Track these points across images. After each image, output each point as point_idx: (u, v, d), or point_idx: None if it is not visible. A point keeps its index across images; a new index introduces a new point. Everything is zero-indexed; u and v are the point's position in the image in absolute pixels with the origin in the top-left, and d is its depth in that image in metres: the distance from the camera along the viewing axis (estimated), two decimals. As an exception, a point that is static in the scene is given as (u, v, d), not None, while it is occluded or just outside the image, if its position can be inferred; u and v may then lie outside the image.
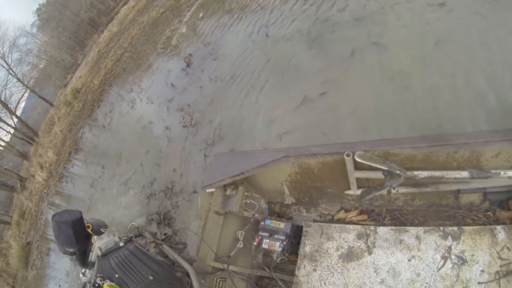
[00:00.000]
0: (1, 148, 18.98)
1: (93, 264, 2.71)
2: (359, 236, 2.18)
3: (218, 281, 2.79)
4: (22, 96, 22.35)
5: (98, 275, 2.30)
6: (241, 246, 2.95)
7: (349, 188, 2.49)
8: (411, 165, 2.03)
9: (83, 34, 30.39)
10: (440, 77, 3.58)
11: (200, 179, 5.10)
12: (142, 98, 9.87)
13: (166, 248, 3.12)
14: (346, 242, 2.22)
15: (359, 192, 2.40)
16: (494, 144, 1.76)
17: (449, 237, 1.84)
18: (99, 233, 2.85)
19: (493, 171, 1.77)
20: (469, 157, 1.88)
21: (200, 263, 2.74)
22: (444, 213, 2.14)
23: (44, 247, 9.52)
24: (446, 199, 2.18)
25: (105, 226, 3.03)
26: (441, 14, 4.04)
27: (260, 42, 6.69)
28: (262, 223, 2.77)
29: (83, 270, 2.85)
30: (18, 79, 20.86)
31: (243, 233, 2.97)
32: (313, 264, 2.27)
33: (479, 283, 1.65)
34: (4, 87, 19.60)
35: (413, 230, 1.99)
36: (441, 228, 1.89)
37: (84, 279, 2.83)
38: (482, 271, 1.67)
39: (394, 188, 2.18)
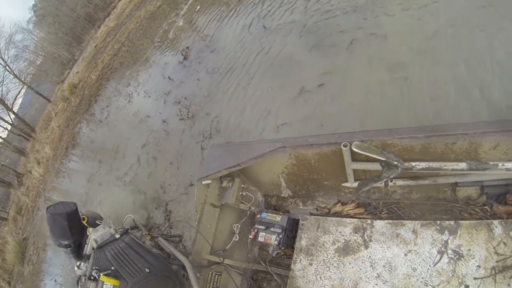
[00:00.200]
0: (-1, 145, 18.92)
1: (88, 257, 2.68)
2: (356, 230, 2.16)
3: (213, 274, 2.77)
4: (19, 92, 22.17)
5: (94, 267, 2.26)
6: (237, 239, 2.93)
7: (346, 181, 2.46)
8: (409, 156, 2.01)
9: (80, 30, 30.12)
10: (441, 67, 3.54)
11: (197, 172, 5.07)
12: (139, 92, 9.82)
13: (161, 241, 3.10)
14: (343, 235, 2.20)
15: (356, 184, 2.38)
16: (493, 135, 1.73)
17: (446, 232, 1.82)
18: (94, 225, 2.82)
19: (491, 163, 1.74)
20: (467, 149, 1.85)
21: (195, 256, 2.72)
22: (441, 206, 2.13)
23: (41, 242, 9.50)
24: (443, 193, 2.17)
25: (100, 218, 2.99)
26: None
27: (257, 34, 6.63)
28: (258, 216, 2.75)
29: (78, 263, 2.81)
30: (15, 75, 20.70)
31: (239, 226, 2.94)
32: (309, 258, 2.25)
33: (475, 278, 1.64)
34: (1, 83, 19.46)
35: (410, 224, 1.97)
36: (438, 222, 1.88)
37: (79, 272, 2.80)
38: (478, 266, 1.66)
39: (391, 180, 2.16)
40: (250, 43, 6.62)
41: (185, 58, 8.54)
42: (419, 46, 3.85)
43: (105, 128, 10.68)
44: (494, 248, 1.65)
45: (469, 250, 1.71)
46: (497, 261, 1.62)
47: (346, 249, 2.13)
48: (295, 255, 2.33)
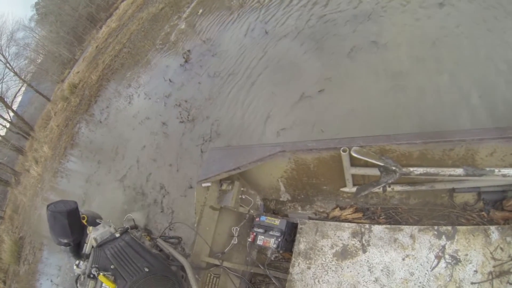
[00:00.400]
0: (-3, 142, 18.84)
1: (87, 256, 2.67)
2: (354, 234, 2.18)
3: (212, 277, 2.77)
4: (19, 90, 22.20)
5: (93, 265, 2.26)
6: (235, 242, 2.93)
7: (344, 186, 2.48)
8: (407, 162, 2.03)
9: (82, 29, 30.16)
10: (439, 75, 3.59)
11: (196, 175, 5.08)
12: (140, 94, 9.84)
13: (160, 242, 3.10)
14: (341, 240, 2.21)
15: (354, 189, 2.39)
16: (489, 141, 1.76)
17: (443, 237, 1.84)
18: (94, 224, 2.81)
19: (487, 169, 1.77)
20: (464, 155, 1.88)
21: (194, 258, 2.72)
22: (439, 212, 2.15)
23: (37, 242, 9.46)
24: (441, 199, 2.18)
25: (100, 218, 2.99)
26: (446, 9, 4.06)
27: (259, 39, 6.69)
28: (257, 219, 2.75)
29: (77, 262, 2.81)
30: (15, 73, 20.70)
31: (238, 229, 2.95)
32: (307, 262, 2.26)
33: (472, 283, 1.65)
34: (1, 80, 19.45)
35: (407, 229, 1.99)
36: (436, 227, 1.89)
37: (78, 271, 2.79)
38: (476, 271, 1.67)
39: (389, 186, 2.18)
40: (252, 48, 6.67)
41: (186, 61, 8.58)
42: (419, 54, 3.90)
43: (104, 129, 10.68)
44: (491, 253, 1.67)
45: (466, 255, 1.72)
46: (494, 266, 1.63)
47: (344, 253, 2.14)
48: (293, 259, 2.33)
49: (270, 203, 3.05)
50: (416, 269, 1.83)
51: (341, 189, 2.53)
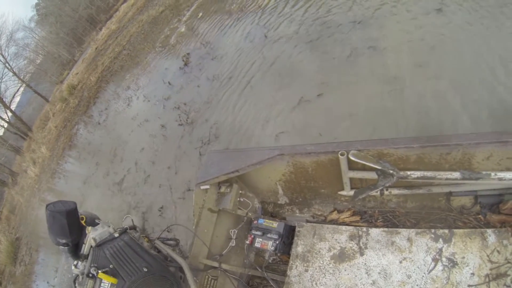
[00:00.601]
0: (-6, 142, 18.77)
1: (85, 256, 2.67)
2: (351, 237, 2.19)
3: (209, 279, 2.77)
4: (18, 90, 22.14)
5: (92, 265, 2.26)
6: (233, 244, 2.94)
7: (342, 189, 2.49)
8: (404, 166, 2.04)
9: (81, 31, 30.22)
10: (437, 80, 3.62)
11: (195, 177, 5.08)
12: (139, 96, 9.85)
13: (158, 243, 3.10)
14: (338, 243, 2.22)
15: (352, 192, 2.40)
16: (486, 146, 1.78)
17: (440, 240, 1.85)
18: (93, 225, 2.80)
19: (484, 173, 1.79)
20: (461, 159, 1.89)
21: (192, 260, 2.72)
22: (436, 215, 2.16)
23: (34, 243, 9.40)
24: (438, 202, 2.20)
25: (98, 219, 2.99)
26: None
27: (258, 43, 6.72)
28: (255, 222, 2.76)
29: (75, 262, 2.80)
30: (14, 73, 20.71)
31: (236, 231, 2.96)
32: (305, 265, 2.27)
33: (469, 286, 1.66)
34: (0, 80, 19.43)
35: (405, 232, 2.00)
36: (433, 230, 1.90)
37: (76, 271, 2.78)
38: (472, 274, 1.68)
39: (387, 189, 2.19)
40: (251, 52, 6.69)
41: (185, 64, 8.60)
42: (417, 60, 3.94)
43: (103, 130, 10.67)
44: (487, 256, 1.68)
45: (463, 258, 1.74)
46: (490, 269, 1.64)
47: (341, 256, 2.15)
48: (291, 261, 2.33)
49: (268, 206, 3.05)
50: (413, 272, 1.84)
51: (339, 193, 2.54)
